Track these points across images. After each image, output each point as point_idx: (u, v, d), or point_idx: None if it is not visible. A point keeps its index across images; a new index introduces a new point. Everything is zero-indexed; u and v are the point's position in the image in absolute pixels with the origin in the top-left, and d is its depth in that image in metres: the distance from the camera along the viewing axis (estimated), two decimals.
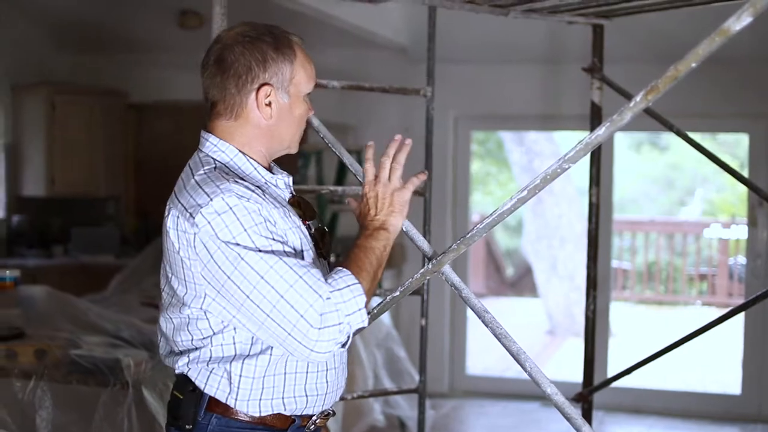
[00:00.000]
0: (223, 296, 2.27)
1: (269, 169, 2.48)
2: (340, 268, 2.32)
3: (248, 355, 2.34)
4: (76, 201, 9.18)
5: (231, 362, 2.34)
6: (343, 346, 2.27)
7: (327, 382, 2.44)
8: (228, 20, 3.80)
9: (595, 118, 4.59)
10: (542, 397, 1.97)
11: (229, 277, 2.23)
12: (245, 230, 2.23)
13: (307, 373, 2.39)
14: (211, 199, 2.25)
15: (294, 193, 2.54)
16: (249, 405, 2.36)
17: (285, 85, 2.41)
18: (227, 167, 2.39)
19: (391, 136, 8.55)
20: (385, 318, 6.49)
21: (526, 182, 9.32)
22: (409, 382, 6.59)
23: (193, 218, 2.25)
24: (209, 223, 2.23)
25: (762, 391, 7.77)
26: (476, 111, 8.51)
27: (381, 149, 8.16)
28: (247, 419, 2.37)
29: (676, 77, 1.95)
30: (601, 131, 2.10)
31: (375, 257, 2.36)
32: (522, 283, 14.22)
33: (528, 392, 7.91)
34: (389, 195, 2.45)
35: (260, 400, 2.36)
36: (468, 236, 2.40)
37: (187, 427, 2.39)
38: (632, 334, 11.43)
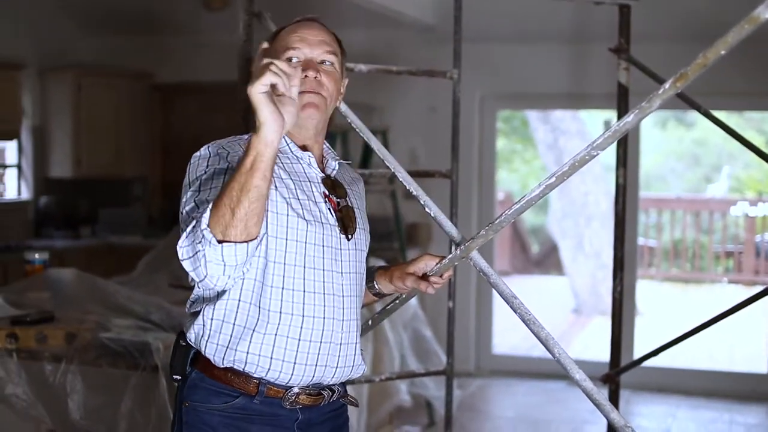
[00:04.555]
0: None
1: (304, 148, 2.57)
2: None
3: (219, 299, 2.45)
4: (102, 182, 9.24)
5: (206, 305, 2.48)
6: (192, 263, 2.24)
7: (297, 352, 2.46)
8: (255, 2, 3.81)
9: (622, 99, 4.57)
10: (568, 377, 1.97)
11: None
12: (205, 168, 2.44)
13: (264, 333, 2.44)
14: (200, 147, 2.50)
15: (331, 174, 2.62)
16: (216, 350, 2.47)
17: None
18: None
19: (417, 116, 8.52)
20: (412, 298, 6.50)
21: (552, 160, 9.28)
22: (436, 363, 6.60)
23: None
24: (190, 164, 2.47)
25: None
26: (502, 90, 8.50)
27: (408, 129, 8.14)
28: (219, 376, 2.48)
29: (705, 65, 1.95)
30: (629, 118, 2.09)
31: (237, 172, 2.16)
32: (547, 260, 14.20)
33: (554, 371, 7.91)
34: (254, 99, 2.14)
35: (227, 348, 2.45)
36: (496, 222, 2.40)
37: (175, 377, 2.58)
38: (658, 313, 11.41)
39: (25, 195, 8.98)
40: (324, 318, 2.49)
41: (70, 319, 4.53)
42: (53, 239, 8.57)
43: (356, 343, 2.61)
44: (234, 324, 2.45)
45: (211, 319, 2.47)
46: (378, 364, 6.05)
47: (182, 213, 2.39)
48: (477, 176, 8.46)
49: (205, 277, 2.24)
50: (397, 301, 2.87)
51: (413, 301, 6.63)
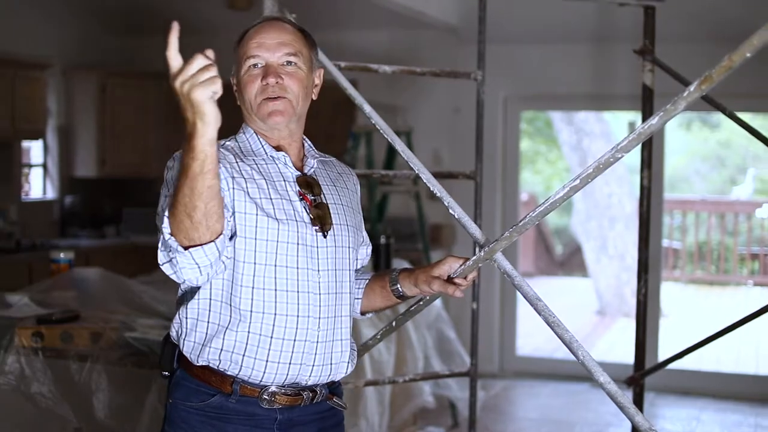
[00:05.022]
0: None
1: (279, 148, 2.61)
2: None
3: (192, 298, 2.51)
4: (127, 182, 9.28)
5: (182, 305, 2.54)
6: (169, 268, 2.31)
7: (270, 350, 2.47)
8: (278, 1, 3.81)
9: (647, 101, 4.55)
10: (592, 379, 1.96)
11: None
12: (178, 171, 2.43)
13: (236, 331, 2.47)
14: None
15: (307, 172, 2.63)
16: (193, 348, 2.52)
17: (236, 67, 2.65)
18: (238, 142, 2.62)
19: (441, 117, 8.50)
20: (436, 300, 6.49)
21: (576, 161, 9.23)
22: (460, 364, 6.60)
23: None
24: (166, 168, 2.50)
25: None
26: (526, 91, 8.48)
27: (431, 130, 8.11)
28: (197, 374, 2.52)
29: (731, 67, 1.94)
30: (654, 121, 2.09)
31: (186, 177, 2.15)
32: (571, 262, 14.17)
33: (578, 373, 7.89)
34: (186, 92, 2.09)
35: (202, 346, 2.50)
36: (521, 224, 2.40)
37: (164, 373, 2.64)
38: (683, 315, 11.36)
39: (51, 194, 9.03)
40: (298, 316, 2.49)
41: (95, 319, 4.55)
42: (78, 238, 8.61)
43: (335, 340, 2.59)
44: (208, 322, 2.50)
45: (187, 318, 2.53)
46: (401, 365, 6.06)
47: (158, 215, 2.38)
48: (501, 177, 8.46)
49: (185, 280, 2.33)
50: (421, 303, 2.87)
51: (437, 302, 6.63)
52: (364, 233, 2.83)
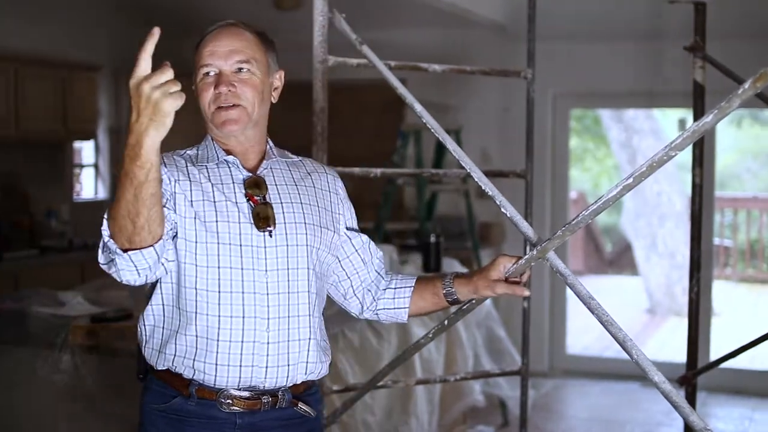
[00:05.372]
0: None
1: (228, 152, 2.63)
2: None
3: (148, 305, 2.56)
4: None
5: (142, 312, 2.58)
6: (108, 268, 2.37)
7: (218, 352, 2.47)
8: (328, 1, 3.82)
9: (698, 98, 4.51)
10: (642, 377, 1.94)
11: None
12: None
13: (185, 335, 2.48)
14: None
15: (258, 174, 2.62)
16: (152, 354, 2.56)
17: (194, 74, 2.70)
18: (198, 150, 2.69)
19: (490, 116, 8.43)
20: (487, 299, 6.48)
21: (625, 159, 9.15)
22: (510, 363, 6.59)
23: None
24: None
25: None
26: (575, 89, 8.45)
27: (480, 127, 8.06)
28: (161, 377, 2.55)
29: None
30: (708, 119, 2.07)
31: (130, 185, 2.20)
32: (621, 260, 14.08)
33: (628, 372, 7.84)
34: (155, 98, 2.14)
35: (159, 352, 2.53)
36: (573, 223, 2.39)
37: (140, 376, 2.67)
38: (735, 313, 11.25)
39: (102, 194, 9.11)
40: (243, 317, 2.48)
41: None
42: None
43: (291, 341, 2.55)
44: (163, 328, 2.53)
45: (145, 325, 2.57)
46: (452, 364, 6.06)
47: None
48: (550, 175, 8.43)
49: (122, 280, 2.37)
50: (473, 302, 2.86)
51: (487, 301, 6.61)
52: (342, 227, 2.76)
